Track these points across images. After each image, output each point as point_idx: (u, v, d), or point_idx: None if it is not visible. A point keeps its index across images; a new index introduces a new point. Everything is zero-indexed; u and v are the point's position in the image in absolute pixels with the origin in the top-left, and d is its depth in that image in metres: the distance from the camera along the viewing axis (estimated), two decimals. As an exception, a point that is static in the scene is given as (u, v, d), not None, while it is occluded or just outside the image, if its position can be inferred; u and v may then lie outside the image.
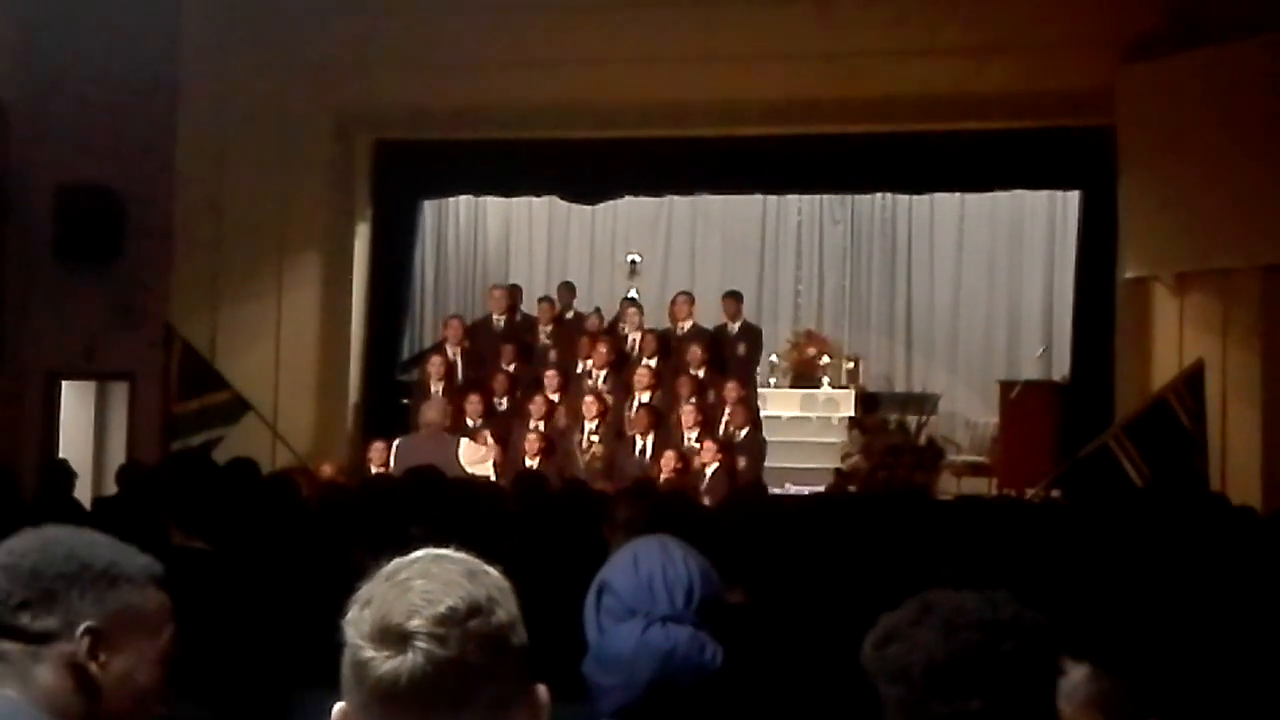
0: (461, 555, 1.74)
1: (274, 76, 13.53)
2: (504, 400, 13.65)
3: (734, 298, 14.51)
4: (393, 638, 1.63)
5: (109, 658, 2.13)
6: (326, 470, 11.47)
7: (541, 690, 1.74)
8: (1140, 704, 2.11)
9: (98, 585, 2.15)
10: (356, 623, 1.66)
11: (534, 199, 17.25)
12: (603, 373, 13.54)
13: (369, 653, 1.63)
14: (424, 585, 1.66)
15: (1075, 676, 2.13)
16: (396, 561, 1.72)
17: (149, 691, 2.19)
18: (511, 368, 13.94)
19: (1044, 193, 16.22)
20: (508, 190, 16.25)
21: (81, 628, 2.11)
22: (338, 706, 1.69)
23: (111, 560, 2.19)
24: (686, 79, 13.24)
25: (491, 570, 1.74)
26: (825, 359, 16.55)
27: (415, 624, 1.62)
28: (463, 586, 1.67)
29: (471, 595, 1.66)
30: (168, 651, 2.22)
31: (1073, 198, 14.86)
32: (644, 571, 2.46)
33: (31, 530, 2.22)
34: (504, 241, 18.71)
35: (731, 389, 13.12)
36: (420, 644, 1.62)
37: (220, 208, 13.32)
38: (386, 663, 1.62)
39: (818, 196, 17.77)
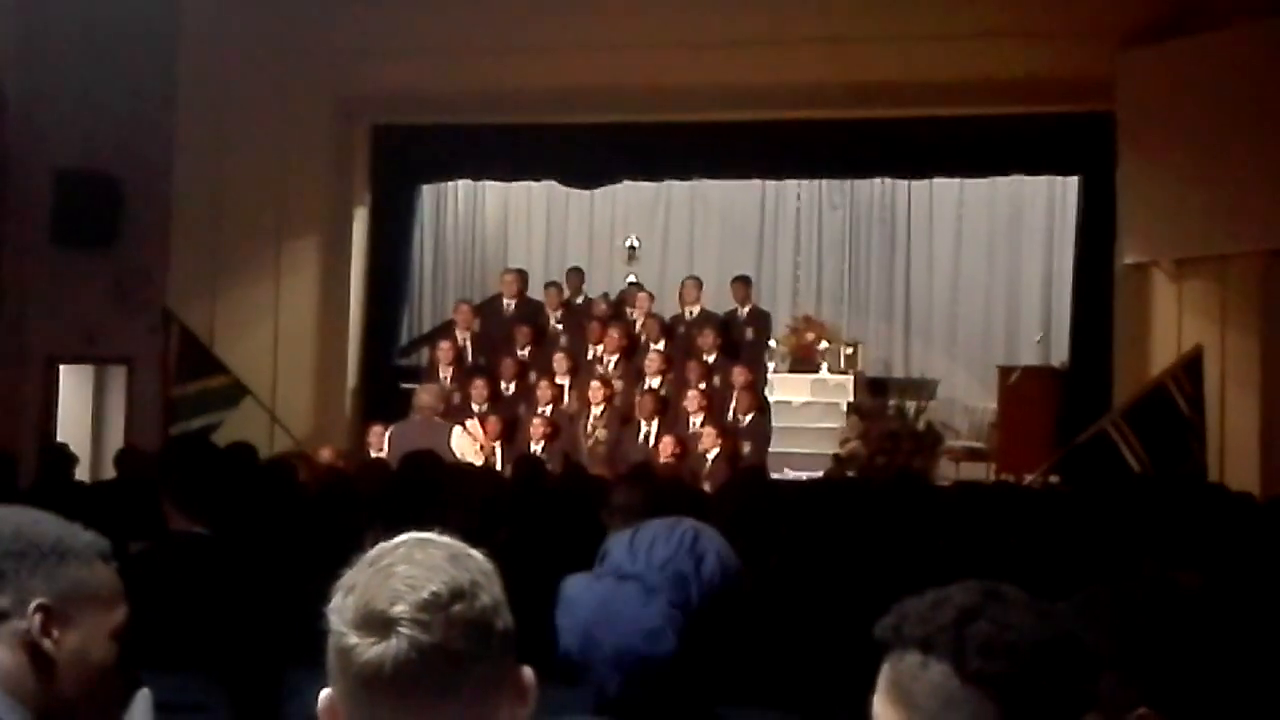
0: (445, 539, 1.73)
1: (272, 62, 13.52)
2: (512, 385, 13.65)
3: (743, 282, 14.50)
4: (376, 624, 1.62)
5: (62, 634, 2.13)
6: (325, 455, 11.49)
7: (527, 673, 1.73)
8: (1131, 694, 2.10)
9: (46, 562, 2.14)
10: (340, 610, 1.65)
11: (532, 184, 17.21)
12: (614, 358, 13.55)
13: (353, 639, 1.63)
14: (407, 571, 1.65)
15: None
16: (380, 546, 1.71)
17: (104, 667, 2.18)
18: (526, 351, 13.96)
19: (1043, 178, 16.19)
20: (506, 175, 16.22)
21: (33, 605, 2.11)
22: (323, 693, 1.68)
23: (58, 537, 2.19)
24: (685, 63, 13.21)
25: (475, 553, 1.72)
26: (824, 344, 16.56)
27: (398, 610, 1.62)
28: (446, 571, 1.66)
29: (455, 580, 1.65)
30: (121, 628, 2.22)
31: (1072, 183, 14.84)
32: (640, 537, 2.43)
33: None
34: (502, 226, 18.68)
35: (740, 374, 13.12)
36: (404, 630, 1.61)
37: (219, 193, 13.32)
38: (370, 649, 1.61)
39: (816, 181, 17.75)
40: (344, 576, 1.69)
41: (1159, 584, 2.37)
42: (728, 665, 2.40)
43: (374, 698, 1.62)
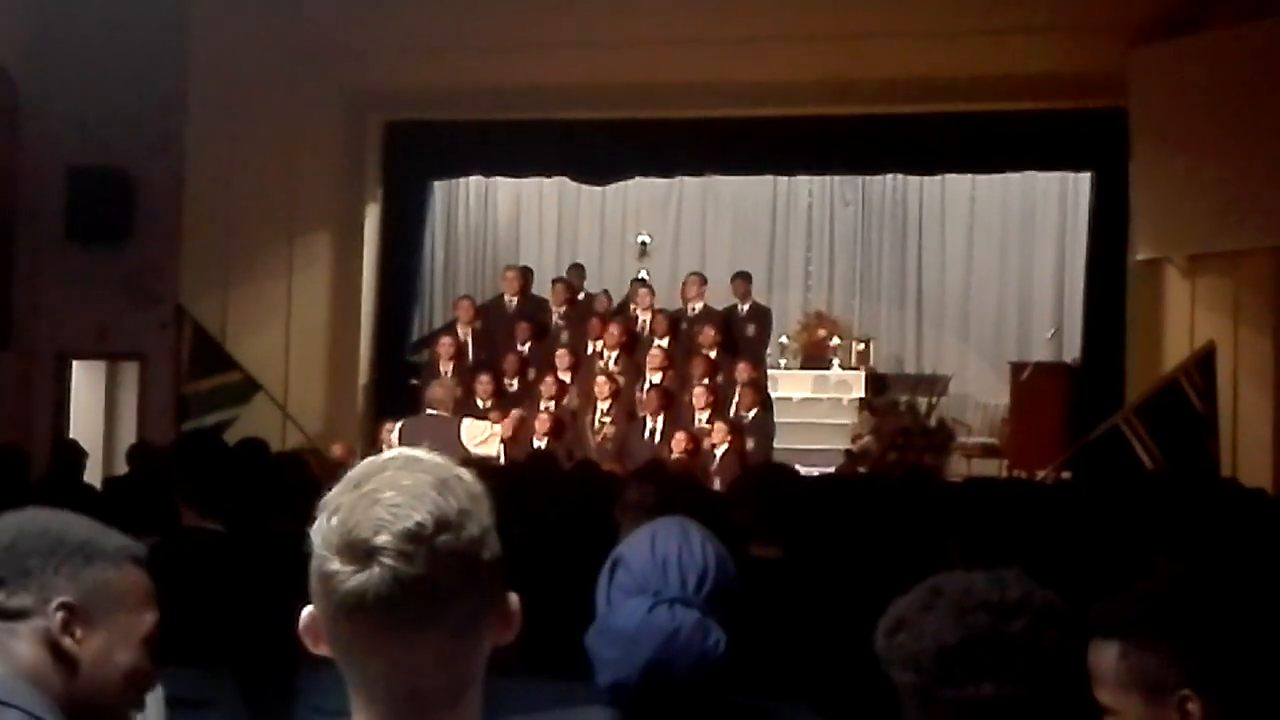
0: (434, 459, 1.67)
1: (284, 58, 13.52)
2: (515, 381, 13.66)
3: (743, 278, 14.52)
4: (358, 553, 1.57)
5: (86, 634, 2.13)
6: (337, 451, 11.50)
7: (513, 599, 1.69)
8: (1175, 675, 2.11)
9: (72, 561, 2.14)
10: (324, 532, 1.61)
11: (544, 180, 17.23)
12: (614, 354, 13.54)
13: (334, 565, 1.59)
14: (392, 498, 1.59)
15: (1107, 658, 2.13)
16: (368, 462, 1.67)
17: (132, 670, 2.18)
18: (527, 347, 13.96)
19: (1055, 174, 16.18)
20: (518, 171, 16.23)
21: (55, 603, 2.11)
22: (305, 610, 1.66)
23: (87, 538, 2.19)
24: (697, 60, 13.20)
25: (466, 475, 1.67)
26: (835, 340, 16.57)
27: (381, 540, 1.57)
28: (432, 500, 1.60)
29: (441, 509, 1.60)
30: (152, 633, 2.21)
31: (1084, 179, 14.83)
32: (660, 551, 2.46)
33: (10, 512, 2.21)
34: (514, 222, 18.70)
35: (742, 370, 13.13)
36: (386, 560, 1.56)
37: (231, 189, 13.33)
38: (352, 578, 1.57)
39: (828, 177, 17.75)
40: (327, 495, 1.64)
41: (1203, 572, 2.38)
42: (759, 659, 2.45)
43: (354, 625, 1.59)
